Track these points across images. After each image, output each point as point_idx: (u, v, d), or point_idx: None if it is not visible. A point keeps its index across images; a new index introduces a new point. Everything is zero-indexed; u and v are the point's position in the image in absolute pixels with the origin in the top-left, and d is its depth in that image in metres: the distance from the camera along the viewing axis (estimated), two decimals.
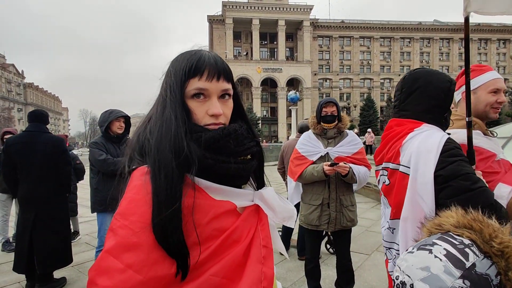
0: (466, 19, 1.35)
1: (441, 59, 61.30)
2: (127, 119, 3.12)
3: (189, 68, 0.68)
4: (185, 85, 0.68)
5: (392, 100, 1.43)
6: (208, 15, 56.82)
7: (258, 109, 51.64)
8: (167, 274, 0.57)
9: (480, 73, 1.49)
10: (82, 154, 21.23)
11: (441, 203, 1.09)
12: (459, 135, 1.33)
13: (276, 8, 54.11)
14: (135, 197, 0.62)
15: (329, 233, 3.60)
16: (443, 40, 61.43)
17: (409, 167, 1.19)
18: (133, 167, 0.69)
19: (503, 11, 1.42)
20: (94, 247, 4.08)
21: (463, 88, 1.40)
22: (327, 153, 2.47)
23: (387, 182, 1.34)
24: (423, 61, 60.84)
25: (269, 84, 56.07)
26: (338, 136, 2.52)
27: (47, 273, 3.04)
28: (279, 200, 0.79)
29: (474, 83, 1.46)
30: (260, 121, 47.18)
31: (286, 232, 3.89)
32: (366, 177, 2.48)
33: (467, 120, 1.32)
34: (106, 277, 0.57)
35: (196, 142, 0.65)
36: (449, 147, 1.14)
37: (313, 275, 2.65)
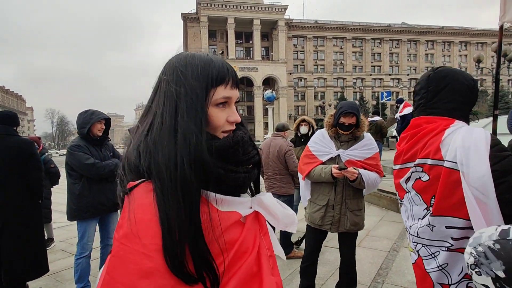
0: (501, 27, 1.44)
1: (409, 60, 64.25)
2: (107, 121, 3.00)
3: (216, 75, 0.66)
4: (210, 93, 0.65)
5: (414, 98, 1.47)
6: (182, 13, 55.72)
7: None
8: None
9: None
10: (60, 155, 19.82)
11: (498, 198, 1.12)
12: None
13: (251, 7, 54.13)
14: (143, 217, 0.56)
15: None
16: (411, 42, 64.40)
17: (455, 162, 1.19)
18: (135, 183, 0.62)
19: None
20: (70, 254, 3.88)
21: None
22: (338, 155, 2.40)
23: (426, 177, 1.33)
24: (393, 61, 63.52)
25: (245, 83, 56.03)
26: (352, 140, 2.44)
27: (18, 284, 2.84)
28: (280, 206, 0.76)
29: None
30: None
31: (285, 235, 3.86)
32: (377, 183, 2.41)
33: (494, 113, 1.49)
34: None
35: (208, 152, 0.62)
36: (496, 142, 1.18)
37: (308, 272, 2.60)
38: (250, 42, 57.14)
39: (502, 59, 13.13)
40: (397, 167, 1.51)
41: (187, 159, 0.58)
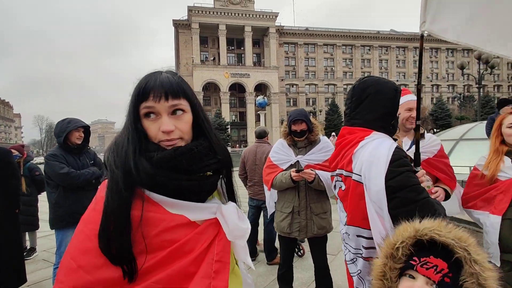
0: (421, 36, 1.47)
1: (398, 66, 65.50)
2: (86, 129, 2.97)
3: (137, 93, 0.75)
4: (139, 108, 0.75)
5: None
6: (173, 20, 55.86)
7: (227, 114, 51.50)
8: (113, 277, 0.64)
9: (401, 95, 1.84)
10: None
11: (390, 213, 1.16)
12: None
13: (242, 14, 54.61)
14: (96, 206, 0.71)
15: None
16: (399, 49, 65.75)
17: (361, 175, 1.24)
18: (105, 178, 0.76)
19: (454, 38, 1.61)
20: (52, 263, 3.81)
21: None
22: (298, 161, 2.48)
23: (343, 187, 1.40)
24: (382, 67, 64.64)
25: (237, 89, 56.20)
26: (308, 145, 2.53)
27: None
28: (236, 218, 0.80)
29: None
30: (229, 126, 47.05)
31: (270, 241, 3.88)
32: None
33: (416, 123, 1.56)
34: (63, 273, 0.67)
35: (149, 161, 0.71)
36: (397, 157, 1.20)
37: (285, 279, 2.66)
38: (242, 48, 57.48)
39: (485, 66, 13.50)
40: (330, 174, 1.61)
41: (121, 163, 0.71)
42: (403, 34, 65.49)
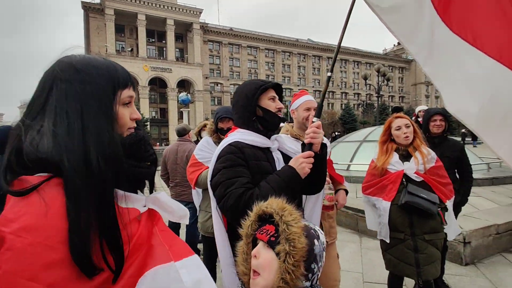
0: (328, 78, 1.62)
1: (314, 73, 71.53)
2: None
3: (123, 77, 0.74)
4: (118, 93, 0.72)
5: None
6: (82, 1, 49.26)
7: (146, 110, 48.01)
8: (95, 283, 0.59)
9: (300, 97, 2.15)
10: None
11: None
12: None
13: (164, 6, 51.72)
14: (49, 212, 0.57)
15: None
16: (315, 57, 71.90)
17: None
18: (39, 177, 0.61)
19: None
20: None
21: (293, 105, 2.15)
22: None
23: None
24: (300, 73, 69.69)
25: (158, 84, 53.04)
26: None
27: None
28: (174, 201, 0.84)
29: (296, 103, 2.13)
30: (148, 123, 43.91)
31: (190, 243, 3.67)
32: None
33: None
34: None
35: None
36: (222, 154, 1.38)
37: None
38: (164, 42, 54.49)
39: (382, 78, 15.69)
40: None
41: (103, 156, 0.62)
42: (318, 44, 71.81)
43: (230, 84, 61.55)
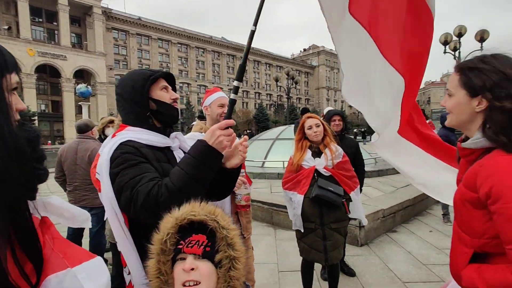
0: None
1: (229, 71, 72.55)
2: None
3: (10, 60, 0.63)
4: (6, 79, 0.61)
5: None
6: None
7: (32, 102, 40.30)
8: None
9: (212, 93, 2.16)
10: None
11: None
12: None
13: None
14: None
15: None
16: (229, 56, 72.98)
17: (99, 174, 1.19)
18: None
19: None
20: None
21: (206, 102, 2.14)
22: None
23: None
24: (215, 71, 69.73)
25: (48, 72, 45.26)
26: None
27: None
28: (71, 205, 0.78)
29: (209, 100, 2.12)
30: (36, 118, 36.92)
31: (96, 252, 3.18)
32: None
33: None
34: None
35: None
36: (116, 155, 1.13)
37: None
38: (55, 23, 46.72)
39: (291, 81, 16.98)
40: None
41: (5, 152, 0.53)
42: (232, 44, 73.07)
43: None
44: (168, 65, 61.42)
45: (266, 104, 72.81)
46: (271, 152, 9.37)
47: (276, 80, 17.68)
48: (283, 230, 4.67)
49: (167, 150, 1.28)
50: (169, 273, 0.86)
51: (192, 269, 0.82)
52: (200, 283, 0.83)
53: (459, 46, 11.10)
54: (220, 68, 70.95)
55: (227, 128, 1.15)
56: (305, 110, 6.94)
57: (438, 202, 5.52)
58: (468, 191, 1.01)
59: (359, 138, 30.83)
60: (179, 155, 1.31)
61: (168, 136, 1.30)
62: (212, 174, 1.10)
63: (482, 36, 10.48)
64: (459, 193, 1.07)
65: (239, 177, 1.93)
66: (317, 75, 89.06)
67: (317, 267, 3.25)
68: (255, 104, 72.89)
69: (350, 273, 3.25)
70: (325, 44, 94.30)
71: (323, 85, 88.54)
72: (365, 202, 4.60)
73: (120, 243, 1.15)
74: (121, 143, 1.15)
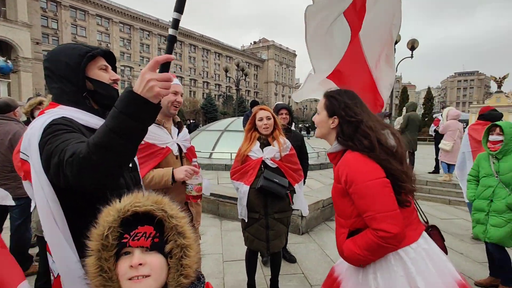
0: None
1: (176, 58, 69.50)
2: None
3: None
4: None
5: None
6: None
7: None
8: None
9: None
10: None
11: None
12: None
13: None
14: None
15: None
16: (178, 42, 69.88)
17: (26, 154, 1.06)
18: None
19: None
20: None
21: None
22: None
23: None
24: None
25: None
26: None
27: None
28: None
29: None
30: None
31: (19, 247, 2.93)
32: None
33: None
34: None
35: None
36: (48, 126, 1.02)
37: None
38: None
39: (241, 72, 16.95)
40: None
41: None
42: (181, 29, 70.04)
43: None
44: (108, 45, 56.27)
45: (215, 95, 71.83)
46: (219, 144, 9.32)
47: (226, 70, 17.49)
48: (229, 221, 4.71)
49: None
50: (113, 270, 0.80)
51: (141, 264, 0.77)
52: (149, 276, 0.78)
53: (395, 52, 12.25)
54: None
55: (165, 69, 0.93)
56: (254, 103, 7.03)
57: None
58: (337, 184, 1.37)
59: (304, 133, 32.48)
60: None
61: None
62: (142, 126, 0.88)
63: (413, 45, 11.71)
64: (333, 188, 1.42)
65: (190, 167, 1.97)
66: (267, 69, 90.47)
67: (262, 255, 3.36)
68: (203, 93, 71.38)
69: (291, 259, 3.43)
70: (275, 39, 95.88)
71: (272, 79, 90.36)
72: (307, 193, 4.86)
73: (47, 230, 1.01)
74: (54, 119, 1.02)
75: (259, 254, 3.49)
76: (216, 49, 78.08)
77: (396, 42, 11.82)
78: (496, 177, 2.76)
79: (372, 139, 1.30)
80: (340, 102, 1.41)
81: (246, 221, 2.47)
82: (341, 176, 1.32)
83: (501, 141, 2.73)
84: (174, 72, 66.82)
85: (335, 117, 1.41)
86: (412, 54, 11.88)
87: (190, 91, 69.54)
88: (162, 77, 0.87)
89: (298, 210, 3.92)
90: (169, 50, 0.97)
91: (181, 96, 2.00)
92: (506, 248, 2.76)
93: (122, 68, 57.94)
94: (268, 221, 2.42)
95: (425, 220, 1.53)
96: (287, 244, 3.58)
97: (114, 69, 1.26)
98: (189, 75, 71.12)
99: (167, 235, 0.83)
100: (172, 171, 1.86)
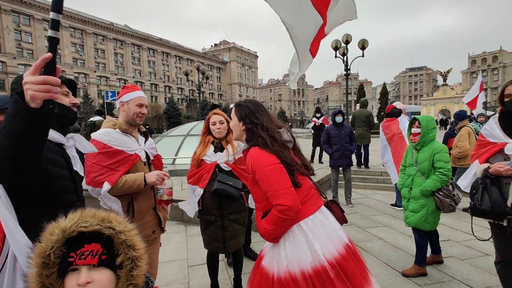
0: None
1: (134, 63, 66.87)
2: None
3: None
4: None
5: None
6: None
7: None
8: None
9: (132, 91, 2.13)
10: None
11: None
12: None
13: None
14: None
15: None
16: (134, 46, 67.24)
17: None
18: None
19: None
20: None
21: (123, 97, 2.09)
22: None
23: None
24: (118, 61, 63.35)
25: None
26: None
27: None
28: None
29: (128, 97, 2.08)
30: None
31: None
32: None
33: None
34: None
35: None
36: None
37: None
38: None
39: (202, 76, 16.82)
40: None
41: None
42: (137, 33, 67.53)
43: (18, 64, 47.47)
44: (59, 51, 52.72)
45: (178, 99, 70.33)
46: (182, 149, 9.20)
47: (186, 74, 17.23)
48: (194, 226, 4.70)
49: (61, 147, 1.33)
50: (55, 284, 0.79)
51: (88, 282, 0.77)
52: None
53: (347, 52, 12.92)
54: (124, 58, 64.82)
55: (49, 71, 0.89)
56: (214, 106, 7.05)
57: (330, 187, 6.42)
58: (248, 175, 1.64)
59: None
60: (72, 153, 1.37)
61: (65, 135, 1.35)
62: (18, 128, 0.87)
63: (363, 45, 12.42)
64: (247, 178, 1.70)
65: (162, 172, 2.12)
66: (229, 71, 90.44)
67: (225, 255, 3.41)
68: (165, 98, 69.55)
69: (255, 258, 3.51)
70: (236, 41, 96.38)
71: (235, 81, 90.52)
72: None
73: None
74: None
75: (224, 256, 3.57)
76: (177, 53, 76.52)
77: (347, 42, 12.52)
78: (415, 166, 3.04)
79: (264, 137, 1.61)
80: (245, 109, 1.72)
81: (191, 216, 2.61)
82: (248, 167, 1.61)
83: (420, 133, 3.00)
84: (134, 77, 64.50)
85: (242, 121, 1.71)
86: (363, 53, 12.59)
87: (152, 96, 67.40)
88: (38, 80, 0.85)
89: None
90: (52, 51, 0.92)
91: (146, 107, 2.15)
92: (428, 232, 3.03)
93: (76, 75, 54.62)
94: (223, 223, 2.50)
95: (324, 196, 1.81)
96: (251, 243, 3.67)
97: (74, 94, 1.43)
98: (149, 80, 68.87)
99: (117, 249, 0.83)
100: (144, 176, 2.01)
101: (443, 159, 2.90)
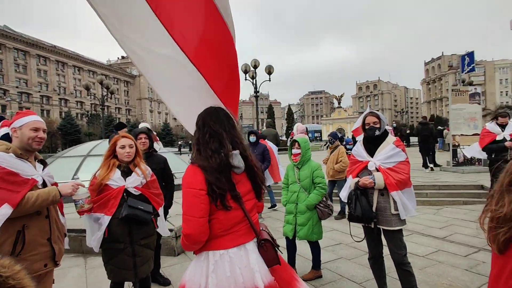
0: None
1: (18, 71, 56.71)
2: None
3: None
4: None
5: None
6: None
7: None
8: None
9: (24, 116, 2.04)
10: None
11: None
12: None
13: None
14: None
15: None
16: (19, 51, 57.23)
17: None
18: None
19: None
20: None
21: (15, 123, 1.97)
22: None
23: None
24: None
25: None
26: None
27: None
28: None
29: (20, 122, 2.00)
30: None
31: None
32: None
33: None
34: None
35: None
36: None
37: None
38: None
39: (106, 90, 15.52)
40: None
41: None
42: (22, 36, 57.78)
43: None
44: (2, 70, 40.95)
45: (77, 114, 62.30)
46: (81, 172, 8.21)
47: (87, 88, 15.60)
48: (96, 257, 4.25)
49: None
50: None
51: None
52: None
53: (256, 75, 13.94)
54: (4, 64, 54.32)
55: None
56: (121, 125, 6.60)
57: None
58: None
59: (185, 149, 32.25)
60: None
61: None
62: None
63: (269, 70, 13.68)
64: None
65: (76, 182, 2.12)
66: (139, 85, 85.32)
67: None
68: (60, 112, 60.74)
69: (166, 283, 3.43)
70: None
71: (146, 95, 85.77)
72: (179, 213, 4.96)
73: None
74: None
75: (131, 284, 3.35)
76: (75, 63, 68.42)
77: (256, 67, 13.59)
78: (298, 183, 3.49)
79: (202, 154, 1.60)
80: (198, 118, 1.71)
81: (97, 251, 2.42)
82: None
83: (300, 153, 3.47)
84: (17, 87, 54.61)
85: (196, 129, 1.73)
86: (269, 78, 13.82)
87: (43, 110, 58.02)
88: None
89: (172, 231, 3.98)
90: None
91: (44, 132, 2.05)
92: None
93: (19, 94, 42.93)
94: (134, 249, 2.40)
95: (257, 235, 1.66)
96: (160, 268, 3.56)
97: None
98: (39, 91, 59.30)
99: None
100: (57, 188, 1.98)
101: (320, 175, 3.45)
